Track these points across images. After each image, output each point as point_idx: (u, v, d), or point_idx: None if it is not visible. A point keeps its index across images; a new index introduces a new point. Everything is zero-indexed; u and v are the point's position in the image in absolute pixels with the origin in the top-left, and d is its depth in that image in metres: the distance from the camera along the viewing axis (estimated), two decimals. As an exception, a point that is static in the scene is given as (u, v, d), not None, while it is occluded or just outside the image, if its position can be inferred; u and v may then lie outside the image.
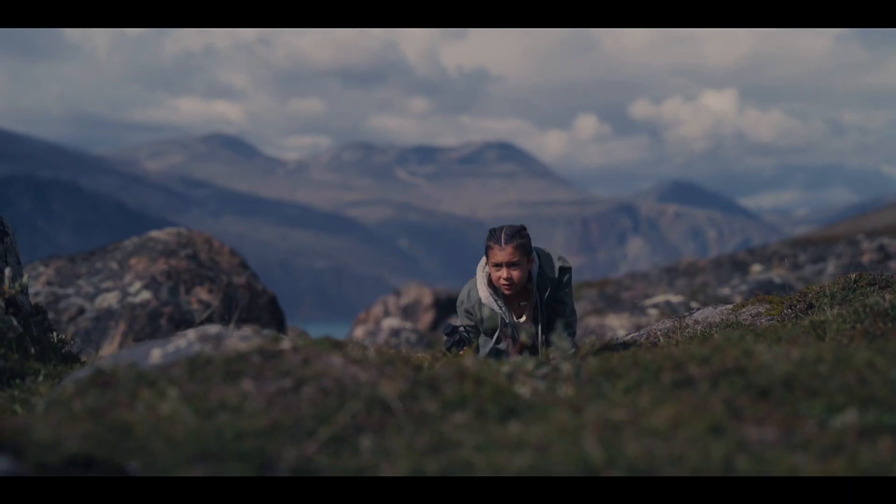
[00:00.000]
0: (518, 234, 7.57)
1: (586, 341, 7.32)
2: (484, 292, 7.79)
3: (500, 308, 7.77)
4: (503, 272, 7.54)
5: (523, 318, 7.80)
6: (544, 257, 7.83)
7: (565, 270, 7.78)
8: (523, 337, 4.67)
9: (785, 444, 2.92)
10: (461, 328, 7.99)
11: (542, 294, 7.75)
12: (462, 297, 8.02)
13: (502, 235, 7.56)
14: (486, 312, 7.89)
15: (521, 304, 7.85)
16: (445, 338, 8.03)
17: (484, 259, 7.81)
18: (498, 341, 7.94)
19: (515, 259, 7.48)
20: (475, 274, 8.08)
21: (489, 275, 7.77)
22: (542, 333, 7.79)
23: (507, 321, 7.80)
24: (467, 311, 7.97)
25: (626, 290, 27.35)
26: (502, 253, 7.49)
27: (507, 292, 7.63)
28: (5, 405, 4.73)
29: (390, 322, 27.70)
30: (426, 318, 31.81)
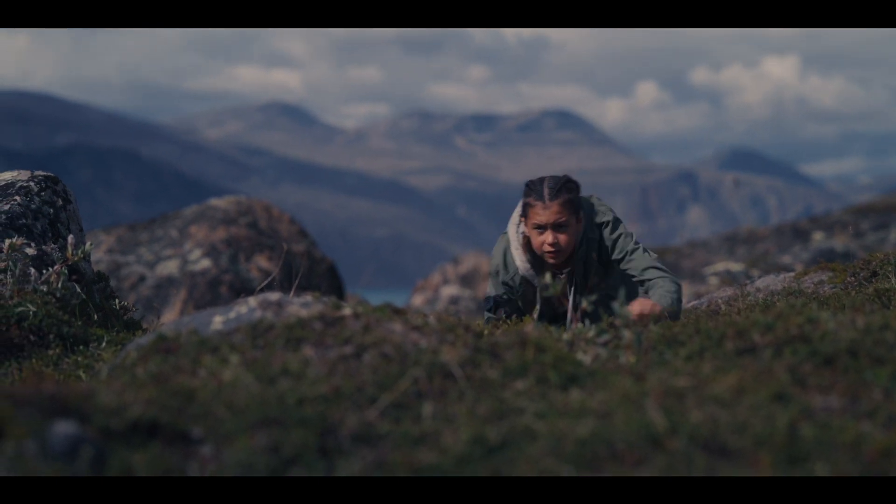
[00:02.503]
0: (565, 188, 6.11)
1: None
2: (521, 259, 6.36)
3: (535, 279, 6.34)
4: (548, 236, 6.07)
5: (547, 277, 6.50)
6: (586, 210, 6.33)
7: (605, 225, 6.31)
8: (583, 304, 4.36)
9: (850, 412, 2.90)
10: (504, 296, 6.46)
11: (583, 262, 6.32)
12: (496, 264, 6.55)
13: (545, 189, 6.09)
14: (520, 285, 6.45)
15: (563, 272, 6.37)
16: (487, 315, 6.51)
17: (516, 215, 6.42)
18: (541, 317, 6.42)
19: (563, 219, 6.04)
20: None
21: (524, 236, 6.31)
22: (580, 304, 6.22)
23: (543, 292, 6.02)
24: (505, 284, 6.49)
25: (686, 258, 27.20)
26: (546, 212, 6.03)
27: (552, 261, 6.20)
28: (70, 371, 4.79)
29: (449, 290, 27.70)
30: (484, 286, 31.81)
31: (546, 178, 6.20)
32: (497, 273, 6.50)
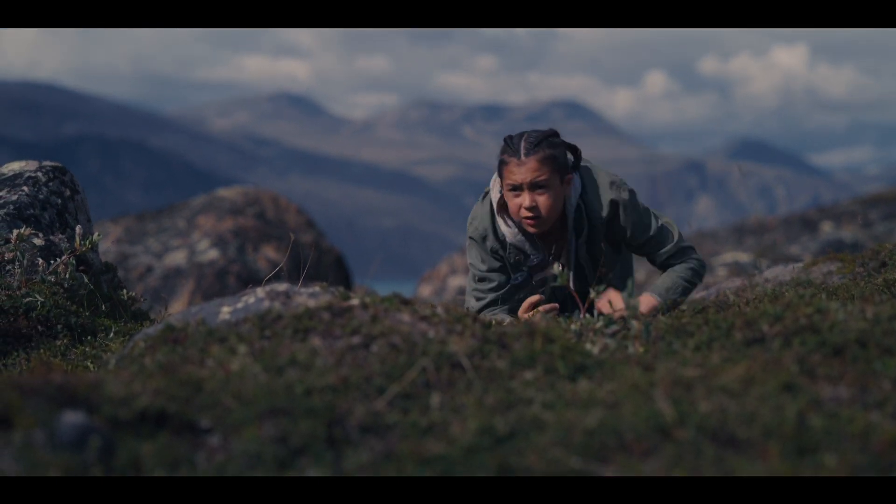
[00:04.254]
0: (546, 142, 5.17)
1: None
2: (505, 226, 5.42)
3: (531, 250, 5.42)
4: (524, 198, 5.13)
5: (555, 268, 4.85)
6: (588, 181, 5.38)
7: (620, 205, 5.33)
8: (591, 294, 4.12)
9: (859, 402, 2.89)
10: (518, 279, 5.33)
11: (580, 236, 5.36)
12: (477, 227, 5.54)
13: (522, 144, 5.16)
14: (511, 255, 5.47)
15: (555, 245, 5.48)
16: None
17: (496, 177, 5.48)
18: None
19: (542, 177, 5.09)
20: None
21: (500, 200, 5.40)
22: (580, 288, 5.41)
23: (550, 283, 5.42)
24: (494, 252, 5.51)
25: (695, 248, 27.18)
26: (521, 169, 5.10)
27: (531, 229, 5.26)
28: (78, 361, 4.79)
29: (456, 280, 27.70)
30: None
31: (526, 132, 5.29)
32: (484, 239, 5.52)
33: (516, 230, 5.39)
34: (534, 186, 5.11)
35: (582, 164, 5.46)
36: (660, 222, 5.45)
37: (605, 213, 5.32)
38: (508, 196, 5.23)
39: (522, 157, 5.11)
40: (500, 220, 5.43)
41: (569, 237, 5.39)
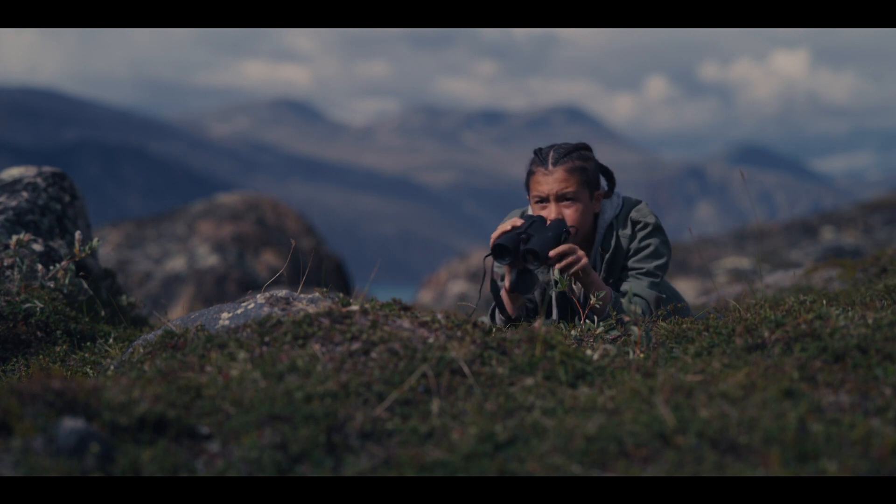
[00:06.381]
0: (575, 154, 4.96)
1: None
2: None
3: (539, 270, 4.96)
4: (550, 210, 4.86)
5: (555, 273, 4.75)
6: (627, 207, 5.09)
7: (642, 226, 5.02)
8: (592, 300, 4.09)
9: (860, 408, 2.89)
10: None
11: (607, 252, 5.02)
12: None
13: (550, 154, 4.94)
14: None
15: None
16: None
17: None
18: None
19: (569, 189, 4.84)
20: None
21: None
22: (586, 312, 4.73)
23: (549, 289, 5.03)
24: None
25: (695, 254, 27.16)
26: (548, 179, 4.87)
27: None
28: (77, 367, 4.78)
29: (456, 286, 27.68)
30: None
31: (558, 143, 5.06)
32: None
33: None
34: (561, 198, 4.87)
35: (629, 197, 5.20)
36: (659, 271, 5.03)
37: (627, 231, 5.03)
38: (536, 210, 4.96)
39: (550, 167, 4.88)
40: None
41: (594, 252, 5.05)
